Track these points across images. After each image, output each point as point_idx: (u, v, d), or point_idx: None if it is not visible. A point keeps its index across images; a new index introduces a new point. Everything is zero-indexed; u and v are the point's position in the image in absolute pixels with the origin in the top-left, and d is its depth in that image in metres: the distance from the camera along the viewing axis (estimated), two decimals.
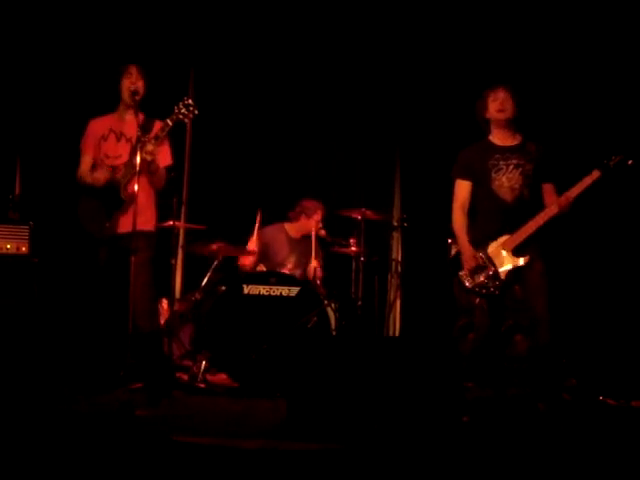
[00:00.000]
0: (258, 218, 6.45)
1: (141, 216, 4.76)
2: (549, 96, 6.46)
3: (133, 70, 5.04)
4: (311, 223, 6.51)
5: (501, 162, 4.78)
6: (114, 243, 4.97)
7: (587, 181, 4.65)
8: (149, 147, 4.77)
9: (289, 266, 6.48)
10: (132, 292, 4.69)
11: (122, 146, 5.05)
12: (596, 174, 4.64)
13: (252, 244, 6.43)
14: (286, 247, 6.56)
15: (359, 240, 6.55)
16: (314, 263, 6.34)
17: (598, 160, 4.68)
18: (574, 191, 4.65)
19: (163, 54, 6.91)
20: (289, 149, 7.49)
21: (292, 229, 6.64)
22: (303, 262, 6.53)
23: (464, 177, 4.90)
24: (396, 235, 7.51)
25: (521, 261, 4.70)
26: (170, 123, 4.85)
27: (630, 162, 4.66)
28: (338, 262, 6.87)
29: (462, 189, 4.91)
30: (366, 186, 7.32)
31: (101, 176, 4.99)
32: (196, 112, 4.87)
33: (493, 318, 4.80)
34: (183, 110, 4.84)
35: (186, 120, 4.88)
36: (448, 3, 6.90)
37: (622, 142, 5.02)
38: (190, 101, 4.86)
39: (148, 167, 4.88)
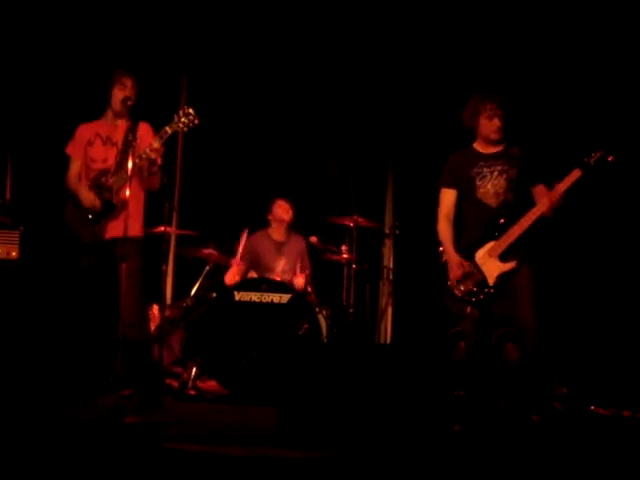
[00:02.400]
0: (244, 236, 6.44)
1: (130, 222, 4.73)
2: (530, 95, 6.46)
3: (127, 82, 5.00)
4: (281, 215, 6.55)
5: (485, 169, 4.80)
6: (101, 248, 4.95)
7: (568, 181, 4.60)
8: (155, 144, 4.73)
9: (278, 270, 6.47)
10: (122, 300, 4.67)
11: (108, 150, 5.03)
12: (577, 173, 4.59)
13: (237, 263, 6.42)
14: (273, 251, 6.55)
15: (351, 247, 6.55)
16: (301, 277, 6.35)
17: (578, 158, 4.64)
18: (555, 192, 4.61)
19: (156, 59, 6.90)
20: (282, 155, 7.48)
21: (275, 232, 6.63)
22: (292, 265, 6.54)
23: (449, 186, 4.91)
24: (388, 242, 7.50)
25: (508, 267, 4.69)
26: (169, 131, 4.79)
27: (610, 158, 4.59)
28: (330, 269, 6.85)
29: (447, 198, 4.92)
30: (358, 193, 7.32)
31: (90, 198, 4.95)
32: (196, 122, 4.81)
33: (483, 326, 4.79)
34: (183, 119, 4.78)
35: (186, 129, 4.82)
36: (437, 15, 6.91)
37: (602, 137, 5.01)
38: (191, 110, 4.80)
39: (150, 168, 4.84)
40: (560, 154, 5.49)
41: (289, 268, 6.49)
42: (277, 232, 6.60)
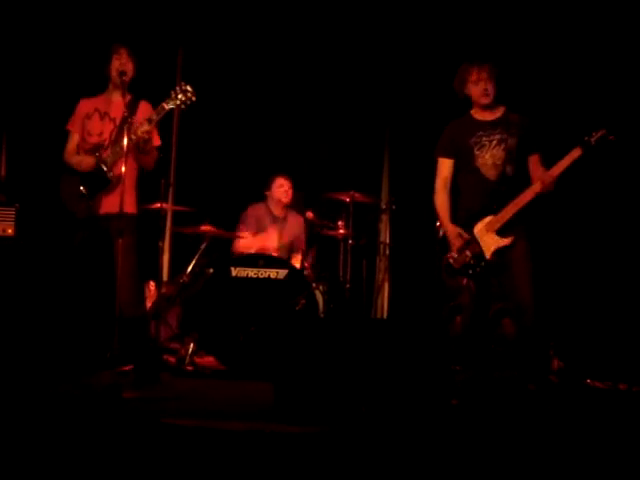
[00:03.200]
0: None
1: (124, 198, 4.72)
2: (531, 66, 6.43)
3: (123, 52, 4.99)
4: (279, 196, 6.58)
5: (484, 138, 4.77)
6: (95, 224, 4.93)
7: (568, 159, 4.59)
8: (145, 127, 4.72)
9: (275, 245, 6.48)
10: (118, 276, 4.66)
11: (105, 124, 5.01)
12: (577, 152, 4.57)
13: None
14: (270, 225, 6.58)
15: (347, 223, 6.54)
16: (295, 259, 6.37)
17: (579, 137, 4.61)
18: (556, 170, 4.60)
19: (151, 33, 6.84)
20: (278, 131, 7.45)
21: (273, 208, 6.66)
22: (288, 243, 6.54)
23: (446, 155, 4.90)
24: (384, 218, 7.49)
25: (506, 241, 4.69)
26: (166, 107, 4.77)
27: (611, 137, 4.58)
28: (326, 245, 6.85)
29: (444, 167, 4.91)
30: (355, 169, 7.29)
31: (90, 161, 4.94)
32: (194, 99, 4.80)
33: (480, 300, 4.80)
34: (180, 95, 4.76)
35: (183, 106, 4.81)
36: None
37: (603, 116, 4.99)
38: (188, 87, 4.79)
39: (142, 147, 4.82)
40: (561, 129, 5.49)
41: (285, 246, 6.51)
42: (276, 209, 6.64)
